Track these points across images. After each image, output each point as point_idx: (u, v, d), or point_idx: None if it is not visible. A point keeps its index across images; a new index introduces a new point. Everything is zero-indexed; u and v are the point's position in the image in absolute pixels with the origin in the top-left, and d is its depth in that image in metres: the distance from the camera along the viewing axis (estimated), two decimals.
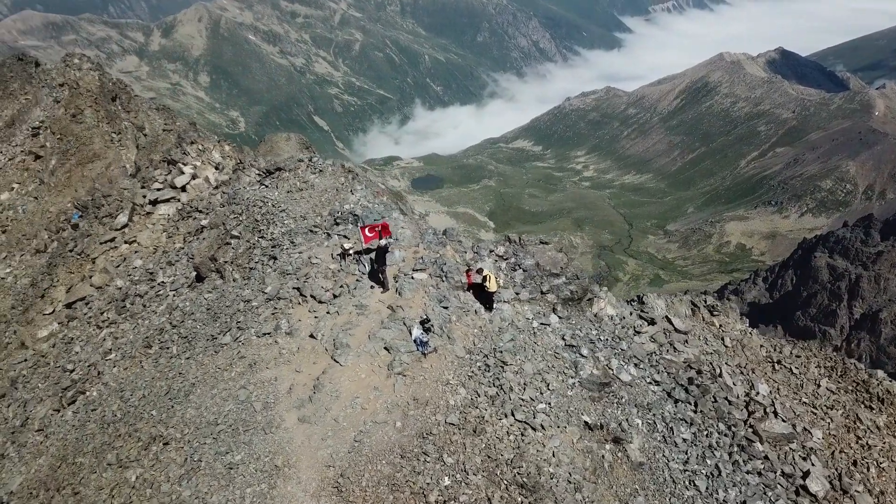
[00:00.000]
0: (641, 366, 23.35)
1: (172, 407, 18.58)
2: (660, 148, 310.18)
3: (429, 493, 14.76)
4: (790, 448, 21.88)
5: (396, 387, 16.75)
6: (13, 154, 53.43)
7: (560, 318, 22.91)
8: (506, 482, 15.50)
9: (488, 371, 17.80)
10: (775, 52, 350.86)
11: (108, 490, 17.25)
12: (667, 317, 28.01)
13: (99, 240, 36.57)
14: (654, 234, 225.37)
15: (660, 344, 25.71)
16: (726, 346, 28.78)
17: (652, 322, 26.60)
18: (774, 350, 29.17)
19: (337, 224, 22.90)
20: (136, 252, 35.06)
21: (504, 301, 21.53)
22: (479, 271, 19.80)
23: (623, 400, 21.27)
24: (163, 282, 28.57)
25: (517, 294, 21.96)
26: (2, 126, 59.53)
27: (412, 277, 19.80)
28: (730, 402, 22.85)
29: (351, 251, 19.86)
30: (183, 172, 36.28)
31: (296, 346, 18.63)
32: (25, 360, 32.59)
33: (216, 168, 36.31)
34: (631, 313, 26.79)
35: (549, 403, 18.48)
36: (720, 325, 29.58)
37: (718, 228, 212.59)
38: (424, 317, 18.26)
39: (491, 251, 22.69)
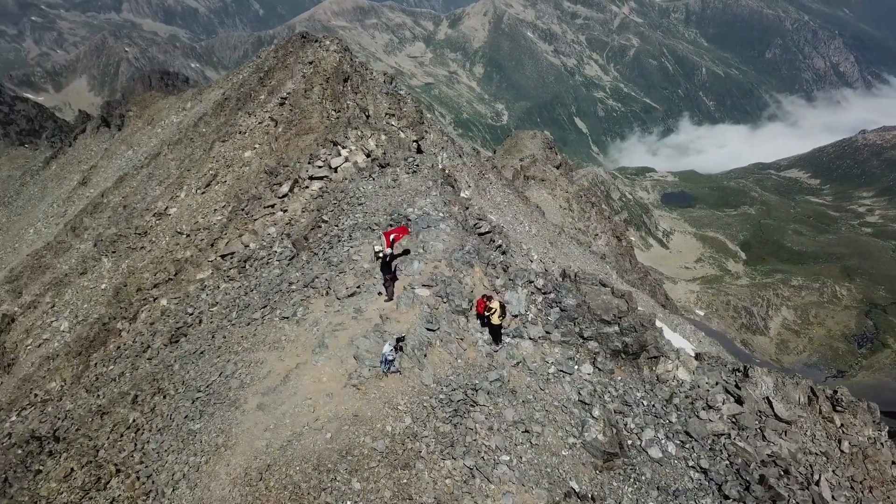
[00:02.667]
0: (689, 445, 20.21)
1: (186, 365, 20.25)
2: None
3: None
4: None
5: (346, 398, 16.45)
6: (262, 119, 61.03)
7: (600, 370, 20.60)
8: None
9: (448, 406, 16.63)
10: None
11: (113, 422, 19.38)
12: (767, 398, 23.93)
13: (263, 204, 40.53)
14: None
15: (740, 428, 22.04)
16: (842, 452, 23.80)
17: (739, 401, 22.86)
18: None
19: (390, 225, 22.91)
20: (287, 221, 38.37)
21: (528, 338, 19.88)
22: (489, 298, 18.50)
23: (643, 478, 18.69)
24: (275, 251, 30.96)
25: (547, 333, 20.12)
26: (267, 94, 68.62)
27: (414, 292, 19.16)
28: None
29: (380, 254, 19.76)
30: (340, 154, 38.76)
31: (294, 336, 19.13)
32: (177, 296, 37.50)
33: (367, 155, 38.21)
34: (716, 384, 23.29)
35: (521, 457, 16.79)
36: (841, 425, 24.42)
37: None
38: (402, 335, 17.62)
39: (530, 282, 20.98)
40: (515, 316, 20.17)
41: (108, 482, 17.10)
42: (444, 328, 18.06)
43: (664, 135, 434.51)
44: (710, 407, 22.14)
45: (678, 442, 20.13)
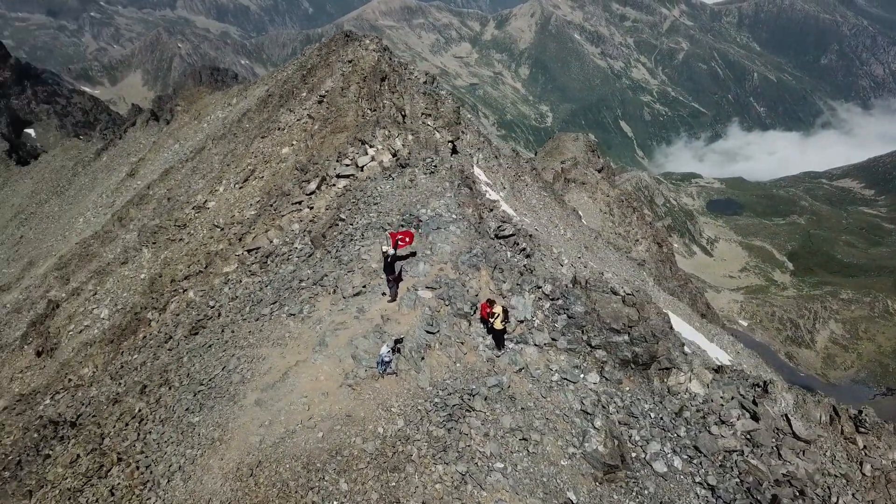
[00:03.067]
0: (696, 461, 19.67)
1: (194, 358, 20.52)
2: None
3: None
4: None
5: (340, 398, 16.41)
6: (301, 116, 61.78)
7: (607, 379, 20.15)
8: None
9: (443, 410, 16.44)
10: None
11: (121, 410, 19.75)
12: (786, 416, 23.14)
13: (291, 200, 40.94)
14: None
15: (755, 445, 21.36)
16: (863, 475, 22.87)
17: (755, 417, 22.15)
18: None
19: (401, 226, 22.82)
20: (311, 219, 38.70)
21: (533, 344, 19.56)
22: (492, 303, 18.24)
23: (646, 492, 18.26)
24: (296, 247, 31.21)
25: (553, 340, 19.76)
26: (307, 91, 69.42)
27: (417, 293, 19.02)
28: None
29: (388, 256, 19.67)
30: (367, 153, 38.92)
31: (297, 333, 19.19)
32: (203, 289, 38.14)
33: (393, 155, 38.28)
34: (731, 398, 22.61)
35: (516, 465, 16.51)
36: (864, 447, 23.44)
37: None
38: (400, 336, 17.51)
39: (538, 287, 20.62)
40: (521, 321, 19.88)
41: (110, 470, 17.41)
42: (444, 331, 17.88)
43: (712, 140, 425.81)
44: (722, 422, 21.50)
45: (685, 457, 19.59)
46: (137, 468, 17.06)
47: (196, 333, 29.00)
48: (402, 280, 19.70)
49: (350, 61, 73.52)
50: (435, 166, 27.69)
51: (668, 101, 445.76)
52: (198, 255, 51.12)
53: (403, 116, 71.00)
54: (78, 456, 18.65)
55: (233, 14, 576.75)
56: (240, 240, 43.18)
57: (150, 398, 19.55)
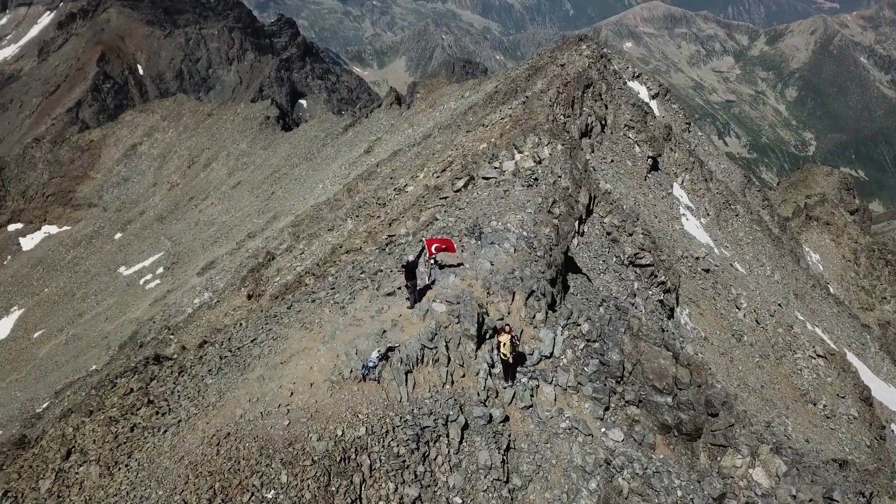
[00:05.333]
0: None
1: (248, 324, 21.92)
2: None
3: (247, 493, 14.66)
4: None
5: (319, 392, 16.46)
6: (505, 115, 63.15)
7: (636, 441, 17.89)
8: None
9: (411, 429, 15.71)
10: None
11: (182, 357, 21.80)
12: None
13: (440, 195, 41.89)
14: None
15: None
16: None
17: None
18: None
19: (466, 236, 22.06)
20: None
21: (553, 384, 17.93)
22: (501, 331, 17.01)
23: None
24: (406, 240, 31.85)
25: (579, 384, 17.92)
26: (521, 92, 70.58)
27: (432, 305, 18.27)
28: None
29: (408, 262, 19.12)
30: (513, 158, 38.48)
31: (326, 321, 19.59)
32: (340, 265, 40.44)
33: (537, 163, 37.31)
34: (809, 501, 19.06)
35: None
36: None
37: None
38: (393, 345, 17.02)
39: (576, 324, 18.70)
40: (548, 357, 18.35)
41: (139, 409, 19.35)
42: (442, 349, 17.08)
43: None
44: None
45: None
46: (157, 413, 18.75)
47: (290, 307, 31.01)
48: (430, 288, 19.22)
49: (562, 65, 72.92)
50: (535, 179, 26.43)
51: None
52: (373, 233, 54.43)
53: (602, 126, 68.93)
54: (131, 390, 20.96)
55: (496, 11, 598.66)
56: (389, 225, 45.16)
57: (200, 353, 21.33)
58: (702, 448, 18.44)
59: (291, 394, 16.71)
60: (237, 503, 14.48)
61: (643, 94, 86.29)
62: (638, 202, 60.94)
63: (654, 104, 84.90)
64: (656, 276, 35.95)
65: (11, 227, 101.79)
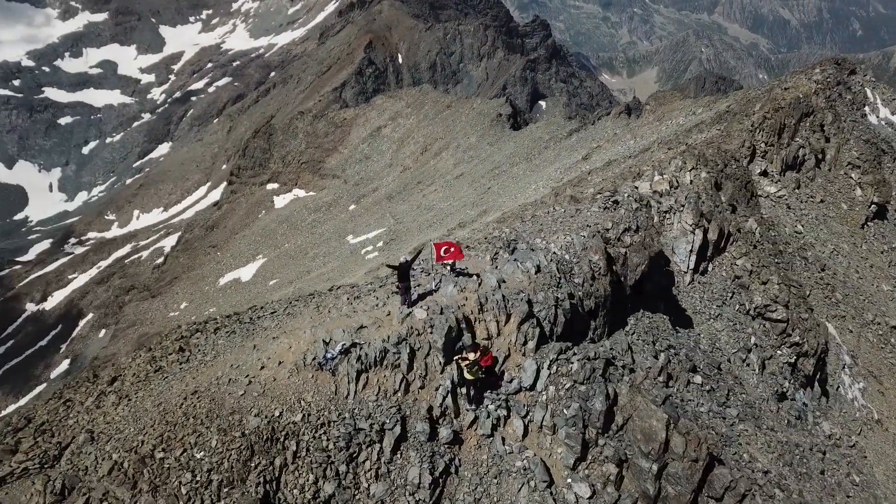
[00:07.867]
0: None
1: (282, 301, 22.95)
2: None
3: (182, 448, 15.43)
4: None
5: (281, 372, 16.77)
6: (708, 136, 59.50)
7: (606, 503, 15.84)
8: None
9: (343, 427, 15.36)
10: None
11: (223, 320, 23.52)
12: None
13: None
14: None
15: None
16: None
17: None
18: None
19: (501, 249, 20.80)
20: None
21: (523, 418, 16.40)
22: (473, 350, 15.89)
23: None
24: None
25: (554, 425, 16.19)
26: (742, 113, 65.97)
27: (413, 310, 17.47)
28: None
29: (402, 264, 18.53)
30: (653, 180, 35.98)
31: (332, 309, 19.90)
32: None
33: (670, 185, 34.28)
34: None
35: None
36: None
37: None
38: (357, 342, 16.66)
39: (566, 360, 16.72)
40: (528, 389, 16.85)
41: (171, 354, 21.28)
42: (404, 356, 16.40)
43: None
44: None
45: None
46: (178, 361, 20.50)
47: (330, 290, 31.55)
48: (431, 294, 18.56)
49: (786, 88, 66.56)
50: (616, 202, 24.16)
51: None
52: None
53: (818, 160, 61.90)
54: (181, 336, 23.13)
55: (769, 26, 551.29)
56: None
57: (239, 317, 22.86)
58: None
59: (262, 367, 17.29)
60: (172, 455, 15.35)
61: None
62: (838, 251, 53.30)
63: None
64: (789, 335, 31.38)
65: (269, 186, 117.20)
